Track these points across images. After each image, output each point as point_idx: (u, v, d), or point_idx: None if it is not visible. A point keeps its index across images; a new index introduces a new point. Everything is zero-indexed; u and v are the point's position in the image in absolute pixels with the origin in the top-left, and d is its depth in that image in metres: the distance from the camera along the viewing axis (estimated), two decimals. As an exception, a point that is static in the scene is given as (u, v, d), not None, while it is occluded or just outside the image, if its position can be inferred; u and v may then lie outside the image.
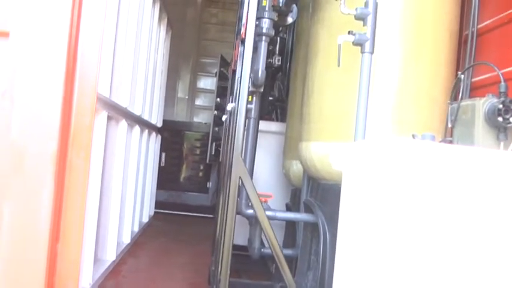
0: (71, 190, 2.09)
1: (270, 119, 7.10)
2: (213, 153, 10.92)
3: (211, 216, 10.45)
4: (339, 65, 3.22)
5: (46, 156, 2.02)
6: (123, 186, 6.34)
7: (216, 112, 10.74)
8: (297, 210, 4.96)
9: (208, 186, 12.20)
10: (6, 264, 1.98)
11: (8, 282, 1.96)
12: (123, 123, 5.97)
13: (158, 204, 10.10)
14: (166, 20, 8.98)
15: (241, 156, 3.71)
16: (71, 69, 2.06)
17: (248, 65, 3.63)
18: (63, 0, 2.05)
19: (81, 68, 2.07)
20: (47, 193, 2.04)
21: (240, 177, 3.67)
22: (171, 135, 11.95)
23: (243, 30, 4.06)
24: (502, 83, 2.93)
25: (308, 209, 4.27)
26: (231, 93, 5.94)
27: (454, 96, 3.49)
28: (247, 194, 3.97)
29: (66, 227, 2.14)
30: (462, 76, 3.40)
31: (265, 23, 3.90)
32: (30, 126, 2.02)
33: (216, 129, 10.79)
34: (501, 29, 3.95)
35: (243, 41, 4.06)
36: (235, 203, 3.75)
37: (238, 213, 3.97)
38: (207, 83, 13.05)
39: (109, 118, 5.10)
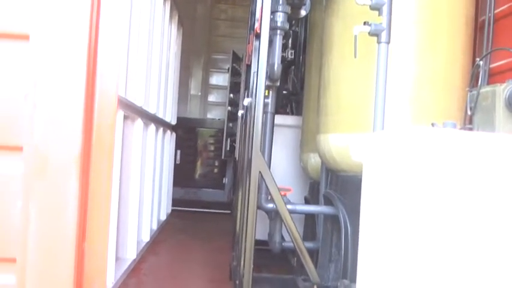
0: (95, 191, 2.10)
1: (285, 113, 7.09)
2: (228, 149, 10.94)
3: (228, 212, 10.48)
4: (355, 56, 3.20)
5: (70, 159, 2.03)
6: (141, 185, 6.37)
7: (229, 108, 10.76)
8: (316, 203, 4.95)
9: (224, 182, 12.22)
10: (36, 264, 2.00)
11: (38, 282, 1.98)
12: (139, 122, 5.99)
13: (175, 202, 10.14)
14: (177, 17, 8.99)
15: (260, 150, 3.71)
16: (91, 71, 2.06)
17: (264, 59, 3.62)
18: (82, 2, 2.05)
19: (101, 70, 2.08)
20: (72, 194, 2.05)
21: (260, 172, 3.67)
22: (185, 132, 11.98)
23: (257, 25, 4.05)
24: (523, 68, 2.90)
25: (328, 202, 4.26)
26: (247, 88, 5.94)
27: (473, 83, 3.46)
28: (266, 188, 3.97)
29: (92, 227, 2.15)
30: (481, 63, 3.36)
31: (280, 17, 3.90)
32: (52, 129, 2.03)
33: (230, 124, 10.80)
34: (517, 14, 3.92)
35: (257, 36, 4.05)
36: (255, 198, 3.75)
37: (258, 207, 3.97)
38: (219, 79, 13.06)
39: (125, 117, 5.12)
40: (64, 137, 2.03)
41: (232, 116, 10.77)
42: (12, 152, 2.06)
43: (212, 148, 12.53)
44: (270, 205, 4.09)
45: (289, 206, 3.94)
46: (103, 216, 2.11)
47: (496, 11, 4.05)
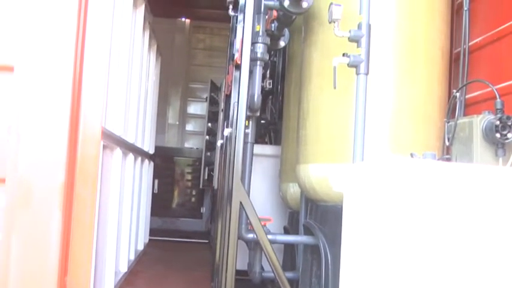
0: (78, 222, 2.09)
1: (263, 143, 7.12)
2: (206, 178, 10.92)
3: (206, 241, 10.41)
4: (335, 87, 3.25)
5: (53, 189, 2.02)
6: (119, 215, 6.30)
7: (207, 137, 10.77)
8: (296, 232, 4.96)
9: (202, 211, 12.17)
10: (17, 299, 1.97)
11: (19, 318, 1.95)
12: (118, 152, 5.96)
13: (152, 232, 10.04)
14: (155, 46, 9.03)
15: (241, 181, 3.72)
16: (75, 103, 2.07)
17: (245, 90, 3.65)
18: (67, 34, 2.06)
19: (85, 101, 2.09)
20: (55, 226, 2.03)
21: (240, 202, 3.67)
22: (163, 161, 11.95)
23: (237, 56, 4.09)
24: (498, 100, 2.98)
25: (308, 231, 4.27)
26: (226, 118, 5.96)
27: (450, 114, 3.53)
28: (246, 218, 3.97)
29: (75, 259, 2.13)
30: (457, 94, 3.44)
31: (260, 48, 3.94)
32: (36, 160, 2.02)
33: (208, 154, 10.80)
34: (491, 46, 4.02)
35: (237, 67, 4.09)
36: (236, 228, 3.75)
37: (238, 237, 3.97)
38: (197, 108, 13.09)
39: (104, 147, 5.09)
40: (48, 168, 2.02)
41: (210, 145, 10.78)
42: (-6, 184, 2.04)
43: (190, 177, 12.50)
44: (251, 235, 4.08)
45: (269, 236, 3.94)
46: (86, 249, 2.10)
47: (470, 43, 4.16)
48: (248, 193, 4.35)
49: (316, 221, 4.15)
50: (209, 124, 10.84)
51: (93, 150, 2.08)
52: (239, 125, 3.67)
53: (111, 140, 5.58)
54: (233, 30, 6.14)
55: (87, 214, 2.10)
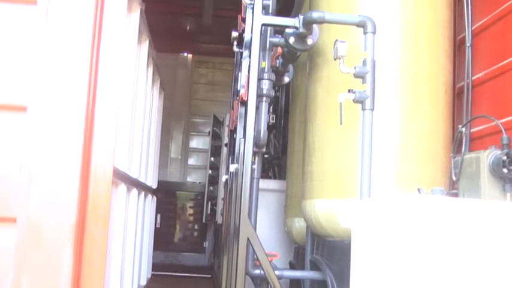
0: (89, 262, 2.08)
1: (267, 177, 7.12)
2: (208, 212, 10.89)
3: (209, 276, 10.33)
4: (341, 123, 3.27)
5: (64, 229, 2.02)
6: (123, 250, 6.27)
7: (210, 171, 10.77)
8: (301, 268, 4.93)
9: (204, 246, 12.10)
10: None
11: None
12: (122, 187, 5.96)
13: (155, 266, 9.96)
14: (159, 82, 9.10)
15: (248, 217, 3.71)
16: (87, 142, 2.08)
17: (252, 127, 3.67)
18: (80, 74, 2.09)
19: (97, 141, 2.10)
20: (66, 266, 2.02)
21: (248, 238, 3.66)
22: (166, 195, 11.92)
23: (242, 92, 4.12)
24: (504, 135, 2.99)
25: (314, 267, 4.24)
26: (231, 153, 5.97)
27: (456, 149, 3.55)
28: (253, 253, 3.95)
29: (85, 299, 2.11)
30: (463, 129, 3.46)
31: (266, 84, 3.97)
32: (48, 199, 2.03)
33: (211, 188, 10.79)
34: (494, 81, 4.06)
35: (243, 103, 4.11)
36: (244, 264, 3.73)
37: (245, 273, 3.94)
38: (200, 142, 13.14)
39: (109, 183, 5.09)
40: (59, 208, 2.02)
41: (212, 180, 10.77)
42: (5, 224, 2.04)
43: (192, 211, 12.46)
44: (257, 271, 4.05)
45: (276, 272, 3.91)
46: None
47: (473, 78, 4.20)
48: (254, 229, 4.34)
49: (323, 256, 4.13)
50: (212, 158, 10.86)
51: (105, 189, 2.09)
52: (246, 161, 3.67)
53: (116, 175, 5.59)
54: (237, 65, 6.20)
55: (98, 255, 2.10)
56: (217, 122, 11.15)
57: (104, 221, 2.09)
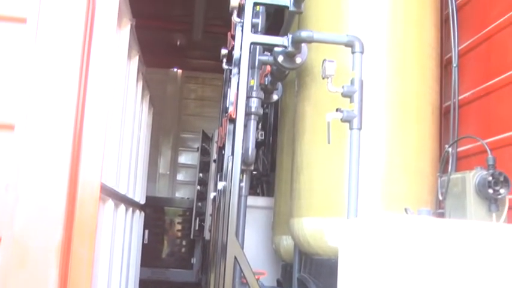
0: (75, 282, 2.07)
1: (255, 194, 7.11)
2: (196, 228, 10.84)
3: (196, 292, 10.27)
4: (329, 142, 3.29)
5: (50, 248, 2.01)
6: (110, 268, 6.22)
7: (199, 187, 10.75)
8: (289, 286, 4.91)
9: (192, 262, 12.04)
10: None
11: None
12: (110, 203, 5.93)
13: (142, 283, 9.87)
14: (148, 97, 9.09)
15: (235, 236, 3.70)
16: (75, 160, 2.08)
17: (240, 146, 3.67)
18: (68, 92, 2.09)
19: (85, 160, 2.10)
20: (51, 286, 2.01)
21: (235, 257, 3.65)
22: (154, 211, 11.87)
23: (231, 110, 4.13)
24: (490, 156, 3.02)
25: (302, 285, 4.24)
26: (219, 170, 5.96)
27: (442, 168, 3.57)
28: (240, 272, 3.93)
29: (70, 320, 2.10)
30: (449, 149, 3.49)
31: (254, 102, 3.98)
32: (34, 219, 2.02)
33: (199, 204, 10.76)
34: (480, 101, 4.11)
35: (231, 120, 4.12)
36: (231, 283, 3.71)
37: (232, 292, 3.92)
38: (188, 157, 13.11)
39: (96, 199, 5.07)
40: (45, 227, 2.02)
41: (201, 195, 10.74)
42: (-11, 244, 2.02)
43: (180, 227, 12.40)
44: (244, 289, 4.04)
45: (263, 290, 3.91)
46: (81, 307, 2.07)
47: (459, 98, 4.25)
48: (242, 247, 4.33)
49: (310, 274, 4.13)
50: (200, 174, 10.84)
51: (92, 208, 2.09)
52: (234, 179, 3.67)
53: (104, 191, 5.55)
54: (226, 82, 6.22)
55: (84, 273, 2.09)
56: (206, 138, 11.15)
57: (90, 241, 2.09)
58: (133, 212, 8.36)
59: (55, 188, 2.02)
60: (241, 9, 4.19)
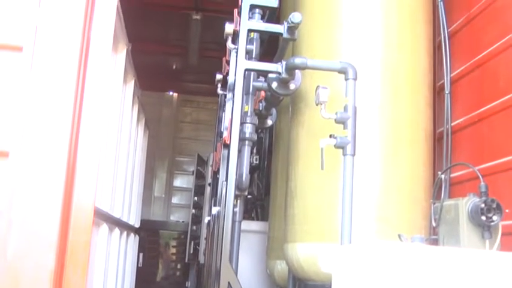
0: (67, 309, 2.06)
1: (250, 218, 7.10)
2: (191, 252, 10.79)
3: (190, 317, 10.18)
4: (322, 168, 3.30)
5: (43, 276, 2.01)
6: (103, 292, 6.18)
7: (193, 211, 10.72)
8: (283, 310, 4.89)
9: (187, 285, 11.95)
10: None
11: None
12: (104, 227, 5.91)
13: (136, 307, 9.81)
14: (143, 121, 9.11)
15: (229, 261, 3.70)
16: (69, 187, 2.09)
17: (234, 171, 3.69)
18: (63, 119, 2.10)
19: (79, 187, 2.10)
20: (44, 314, 2.00)
21: (228, 282, 3.64)
22: (148, 234, 11.82)
23: (225, 135, 4.15)
24: (482, 183, 3.04)
25: (296, 311, 4.22)
26: (214, 194, 5.96)
27: (435, 194, 3.58)
28: (234, 297, 3.92)
29: None
30: (442, 176, 3.51)
31: (248, 128, 4.00)
32: (27, 246, 2.02)
33: (194, 227, 10.72)
34: (473, 127, 4.14)
35: (225, 145, 4.14)
36: (225, 309, 3.70)
37: (225, 318, 3.90)
38: (184, 181, 13.09)
39: (90, 223, 5.05)
40: (38, 255, 2.01)
41: (196, 219, 10.71)
42: (-19, 271, 2.02)
43: (175, 251, 12.35)
44: (238, 315, 4.02)
45: (257, 316, 3.89)
46: (73, 336, 2.06)
47: (452, 124, 4.27)
48: (236, 272, 4.32)
49: (304, 300, 4.11)
50: (195, 198, 10.82)
51: (85, 235, 2.09)
52: (228, 204, 3.68)
53: (98, 215, 5.54)
54: (221, 106, 6.24)
55: (77, 301, 2.08)
56: (202, 161, 11.15)
57: (83, 268, 2.08)
58: (127, 235, 8.32)
59: (48, 215, 2.03)
60: (235, 35, 4.24)
